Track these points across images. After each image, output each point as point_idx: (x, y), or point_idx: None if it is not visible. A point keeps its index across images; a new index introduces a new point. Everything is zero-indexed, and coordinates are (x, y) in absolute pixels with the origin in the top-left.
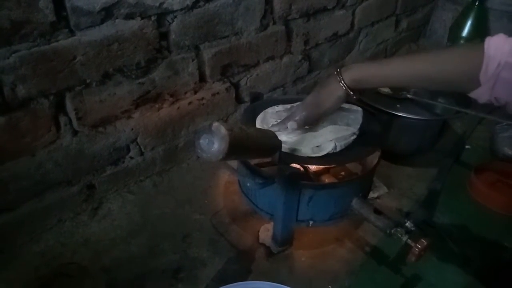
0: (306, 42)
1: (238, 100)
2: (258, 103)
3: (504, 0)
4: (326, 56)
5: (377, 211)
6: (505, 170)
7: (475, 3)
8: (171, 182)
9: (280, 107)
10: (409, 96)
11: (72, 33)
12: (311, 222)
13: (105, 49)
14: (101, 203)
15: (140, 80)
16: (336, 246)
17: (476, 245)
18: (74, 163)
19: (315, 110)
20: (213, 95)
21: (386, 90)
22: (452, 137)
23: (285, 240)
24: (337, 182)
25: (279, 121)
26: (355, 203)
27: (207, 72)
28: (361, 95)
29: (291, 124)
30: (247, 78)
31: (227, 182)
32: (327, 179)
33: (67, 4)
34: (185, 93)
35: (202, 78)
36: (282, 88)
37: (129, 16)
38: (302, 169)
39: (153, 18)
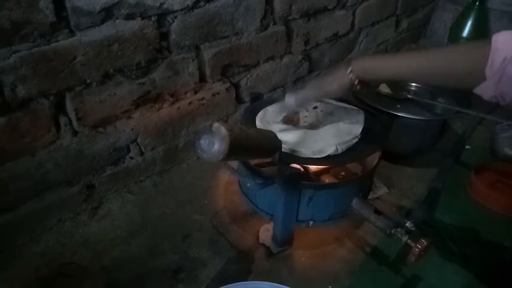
0: (306, 42)
1: (238, 100)
2: (258, 103)
3: (504, 0)
4: (326, 56)
5: (377, 211)
6: (505, 171)
7: (476, 3)
8: (171, 182)
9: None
10: (409, 96)
11: (72, 33)
12: (311, 222)
13: (105, 49)
14: (101, 203)
15: (140, 80)
16: (336, 246)
17: (476, 246)
18: (74, 163)
19: (316, 91)
20: (213, 95)
21: (386, 90)
22: (452, 137)
23: (285, 240)
24: (337, 182)
25: (280, 119)
26: (355, 203)
27: (207, 72)
28: (364, 88)
29: (288, 97)
30: (247, 78)
31: (227, 182)
32: (327, 179)
33: (67, 5)
34: (185, 93)
35: (202, 78)
36: (282, 88)
37: (130, 17)
38: (302, 169)
39: (153, 18)
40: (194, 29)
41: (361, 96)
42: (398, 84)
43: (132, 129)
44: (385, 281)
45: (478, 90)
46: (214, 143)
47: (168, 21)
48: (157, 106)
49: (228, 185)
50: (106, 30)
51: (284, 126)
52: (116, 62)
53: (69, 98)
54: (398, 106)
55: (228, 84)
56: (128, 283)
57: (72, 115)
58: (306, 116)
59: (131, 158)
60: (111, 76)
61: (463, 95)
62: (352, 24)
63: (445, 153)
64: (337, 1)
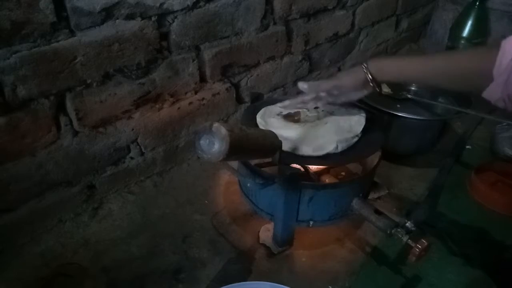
0: (306, 42)
1: (239, 100)
2: (259, 103)
3: (504, 0)
4: (326, 56)
5: (378, 211)
6: (505, 170)
7: (476, 3)
8: (172, 182)
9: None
10: (409, 96)
11: (72, 33)
12: (311, 222)
13: (106, 49)
14: (102, 203)
15: (140, 81)
16: (337, 246)
17: (477, 245)
18: (74, 163)
19: (330, 80)
20: (214, 95)
21: (386, 90)
22: (453, 137)
23: (286, 241)
24: (338, 183)
25: (281, 116)
26: (356, 203)
27: (208, 72)
28: (377, 89)
29: (301, 83)
30: (248, 78)
31: (228, 182)
32: (327, 179)
33: (68, 5)
34: (186, 93)
35: (202, 79)
36: (282, 88)
37: (130, 17)
38: (302, 169)
39: (153, 18)
40: (194, 29)
41: (378, 88)
42: (398, 84)
43: (133, 129)
44: (385, 281)
45: (485, 93)
46: (214, 143)
47: (168, 21)
48: (157, 106)
49: (228, 185)
50: (106, 30)
51: (285, 123)
52: (116, 62)
53: (70, 98)
54: (398, 106)
55: (228, 84)
56: (128, 283)
57: (72, 115)
58: (307, 115)
59: (132, 158)
60: (111, 76)
61: (463, 95)
62: (352, 24)
63: (445, 153)
64: (337, 1)
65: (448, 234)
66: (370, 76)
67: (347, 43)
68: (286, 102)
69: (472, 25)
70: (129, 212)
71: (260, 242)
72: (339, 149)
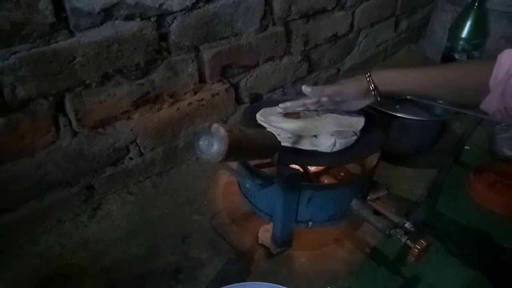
0: (305, 43)
1: (238, 101)
2: (258, 104)
3: (503, 1)
4: (325, 57)
5: (377, 212)
6: (504, 171)
7: (475, 4)
8: (171, 183)
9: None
10: (408, 97)
11: (71, 34)
12: (310, 223)
13: (105, 50)
14: (101, 204)
15: (139, 81)
16: (336, 246)
17: (475, 246)
18: (73, 164)
19: (333, 85)
20: (213, 96)
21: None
22: (452, 138)
23: (285, 241)
24: (337, 183)
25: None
26: (355, 204)
27: (207, 73)
28: (379, 99)
29: (305, 86)
30: (247, 79)
31: (227, 183)
32: (326, 180)
33: (67, 5)
34: (185, 94)
35: (201, 79)
36: (281, 89)
37: (129, 17)
38: (301, 170)
39: (152, 19)
40: (194, 30)
41: (381, 98)
42: None
43: (132, 130)
44: (384, 281)
45: (483, 105)
46: (213, 144)
47: (168, 22)
48: (156, 106)
49: (227, 185)
50: (106, 31)
51: (285, 119)
52: (116, 63)
53: (69, 98)
54: (398, 106)
55: (227, 85)
56: (127, 283)
57: (71, 115)
58: (307, 114)
59: (131, 158)
60: (110, 77)
61: None
62: (351, 25)
63: (444, 153)
64: (336, 2)
65: (447, 235)
66: (373, 86)
67: (346, 43)
68: (288, 104)
69: (471, 25)
70: (128, 213)
71: (259, 242)
72: (338, 146)
